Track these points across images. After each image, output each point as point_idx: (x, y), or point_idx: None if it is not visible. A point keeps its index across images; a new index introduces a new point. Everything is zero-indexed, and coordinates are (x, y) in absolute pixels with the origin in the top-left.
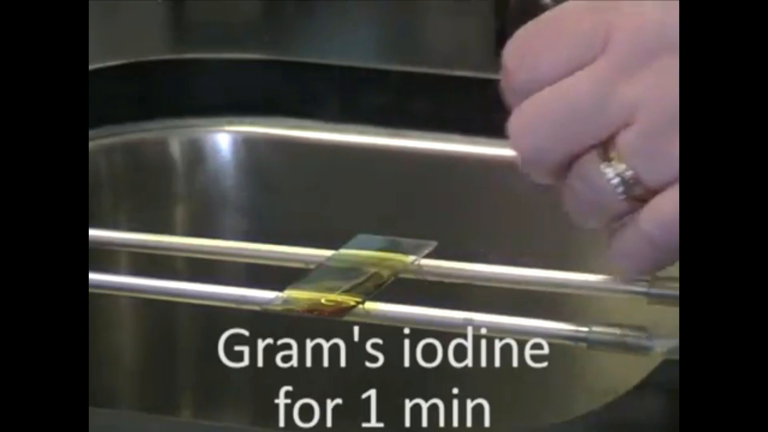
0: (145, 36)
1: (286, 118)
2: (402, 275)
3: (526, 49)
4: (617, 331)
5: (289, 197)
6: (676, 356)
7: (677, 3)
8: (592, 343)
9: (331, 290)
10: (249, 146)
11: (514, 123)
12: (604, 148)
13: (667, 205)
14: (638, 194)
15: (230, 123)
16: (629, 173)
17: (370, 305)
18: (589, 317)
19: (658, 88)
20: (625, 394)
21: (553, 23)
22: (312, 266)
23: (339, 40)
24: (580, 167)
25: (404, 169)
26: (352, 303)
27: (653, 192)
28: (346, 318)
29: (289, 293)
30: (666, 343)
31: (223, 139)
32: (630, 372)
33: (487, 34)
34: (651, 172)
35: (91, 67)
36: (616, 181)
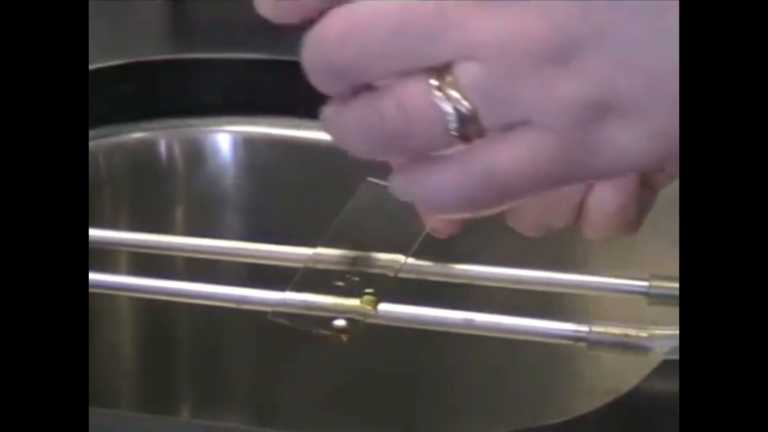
0: (145, 36)
1: (286, 118)
2: (402, 275)
3: None
4: (617, 331)
5: (289, 197)
6: (676, 356)
7: None
8: (592, 343)
9: (331, 291)
10: (249, 146)
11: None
12: (439, 76)
13: (504, 152)
14: (471, 133)
15: (230, 123)
16: (467, 109)
17: (372, 305)
18: (589, 317)
19: (513, 24)
20: (625, 394)
21: None
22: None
23: None
24: (404, 89)
25: None
26: (354, 304)
27: (483, 134)
28: (346, 318)
29: (291, 294)
30: (666, 343)
31: (223, 139)
32: (630, 372)
33: None
34: (493, 113)
35: (91, 67)
36: (451, 115)
